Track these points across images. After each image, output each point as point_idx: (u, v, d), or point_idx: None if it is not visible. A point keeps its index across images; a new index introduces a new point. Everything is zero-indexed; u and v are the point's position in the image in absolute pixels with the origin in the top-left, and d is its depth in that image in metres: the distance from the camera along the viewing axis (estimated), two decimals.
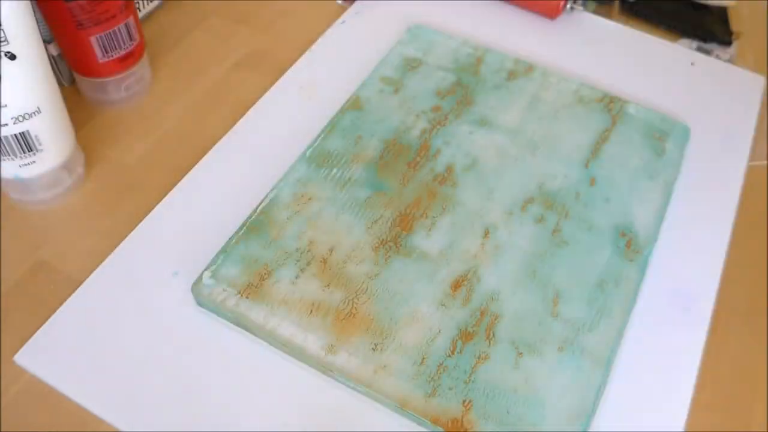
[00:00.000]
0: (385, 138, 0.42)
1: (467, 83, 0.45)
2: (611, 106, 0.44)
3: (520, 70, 0.46)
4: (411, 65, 0.46)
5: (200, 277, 0.35)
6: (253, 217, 0.37)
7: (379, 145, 0.41)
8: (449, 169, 0.40)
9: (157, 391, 0.32)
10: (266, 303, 0.34)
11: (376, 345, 0.33)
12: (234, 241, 0.36)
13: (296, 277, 0.35)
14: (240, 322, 0.34)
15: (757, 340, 0.36)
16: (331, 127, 0.42)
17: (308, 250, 0.36)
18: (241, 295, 0.35)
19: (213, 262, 0.35)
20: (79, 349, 0.33)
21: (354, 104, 0.43)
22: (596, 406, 0.32)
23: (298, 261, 0.36)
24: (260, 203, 0.38)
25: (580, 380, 0.33)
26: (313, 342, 0.33)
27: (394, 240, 0.37)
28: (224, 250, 0.36)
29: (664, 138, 0.43)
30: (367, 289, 0.35)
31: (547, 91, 0.45)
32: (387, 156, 0.41)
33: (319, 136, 0.41)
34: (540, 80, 0.45)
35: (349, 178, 0.40)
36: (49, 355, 0.33)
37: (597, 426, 0.32)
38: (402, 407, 0.32)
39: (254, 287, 0.35)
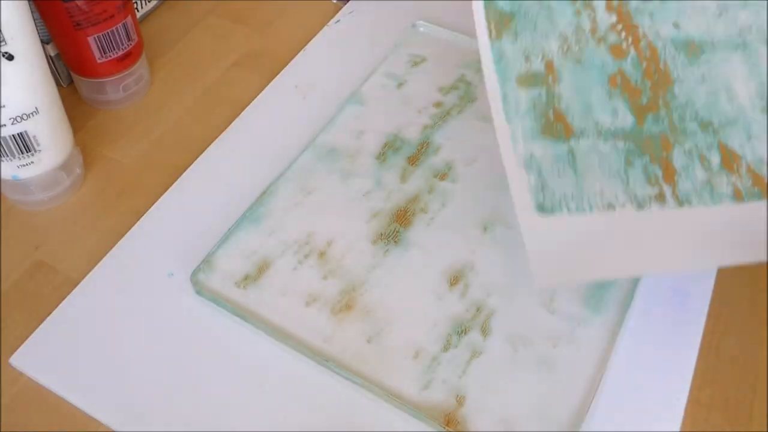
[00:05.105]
0: (386, 132, 0.42)
1: (470, 80, 0.45)
2: None
3: None
4: (414, 61, 0.46)
5: (199, 267, 0.35)
6: (253, 208, 0.38)
7: (380, 139, 0.41)
8: (449, 165, 0.40)
9: (155, 391, 0.32)
10: (264, 293, 0.35)
11: (371, 338, 0.33)
12: (233, 231, 0.37)
13: (294, 269, 0.36)
14: (238, 312, 0.34)
15: (757, 340, 0.35)
16: (333, 121, 0.42)
17: (307, 243, 0.37)
18: (239, 286, 0.35)
19: (212, 252, 0.36)
20: (75, 351, 0.33)
21: (356, 99, 0.43)
22: (592, 405, 0.32)
23: (296, 253, 0.36)
24: (261, 195, 0.38)
25: (576, 378, 0.32)
26: (309, 333, 0.33)
27: (393, 234, 0.37)
28: (223, 241, 0.36)
29: None
30: (364, 282, 0.35)
31: None
32: (387, 151, 0.41)
33: (321, 130, 0.42)
34: None
35: (350, 172, 0.40)
36: (45, 357, 0.33)
37: (593, 425, 0.32)
38: (396, 399, 0.31)
39: (252, 278, 0.35)
